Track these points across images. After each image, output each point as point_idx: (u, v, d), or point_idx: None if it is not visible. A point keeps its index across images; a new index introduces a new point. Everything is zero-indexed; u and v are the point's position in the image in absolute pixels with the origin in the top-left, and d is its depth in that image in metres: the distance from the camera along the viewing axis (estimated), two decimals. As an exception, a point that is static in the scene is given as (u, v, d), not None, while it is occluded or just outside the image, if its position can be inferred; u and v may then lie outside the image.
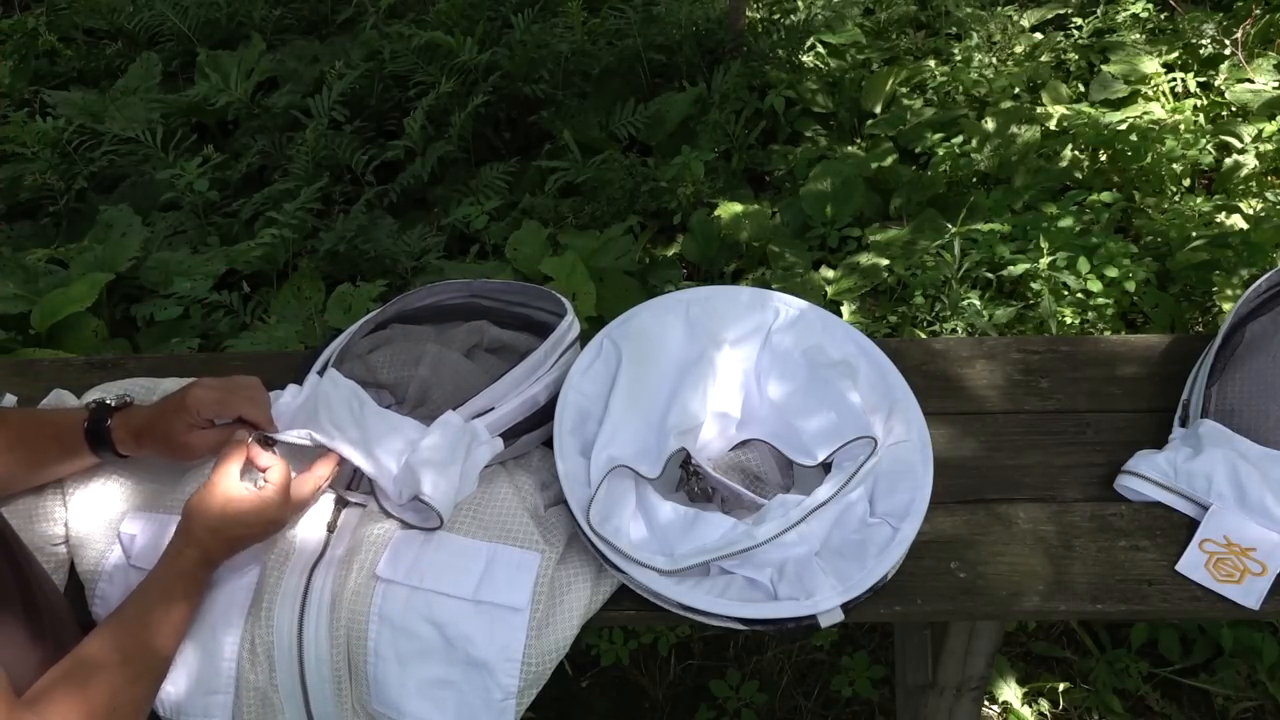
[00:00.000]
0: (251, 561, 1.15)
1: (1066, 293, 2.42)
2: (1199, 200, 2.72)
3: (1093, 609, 1.17)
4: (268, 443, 1.17)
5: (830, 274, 2.67)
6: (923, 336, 2.43)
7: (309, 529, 1.19)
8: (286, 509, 1.13)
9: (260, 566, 1.15)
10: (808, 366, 1.29)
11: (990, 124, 3.03)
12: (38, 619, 1.02)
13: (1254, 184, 2.79)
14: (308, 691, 1.11)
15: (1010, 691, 1.93)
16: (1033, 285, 2.47)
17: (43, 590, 1.07)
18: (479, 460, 1.20)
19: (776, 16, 3.66)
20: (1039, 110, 3.15)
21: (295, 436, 1.18)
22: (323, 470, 1.17)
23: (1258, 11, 3.38)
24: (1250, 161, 2.81)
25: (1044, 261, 2.46)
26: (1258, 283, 1.42)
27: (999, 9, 3.70)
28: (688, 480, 1.29)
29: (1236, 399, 1.29)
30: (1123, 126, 2.87)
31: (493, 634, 1.11)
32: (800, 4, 3.69)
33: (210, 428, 1.19)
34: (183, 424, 1.17)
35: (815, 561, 1.15)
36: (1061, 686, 1.95)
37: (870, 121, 3.26)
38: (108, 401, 1.24)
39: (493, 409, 1.25)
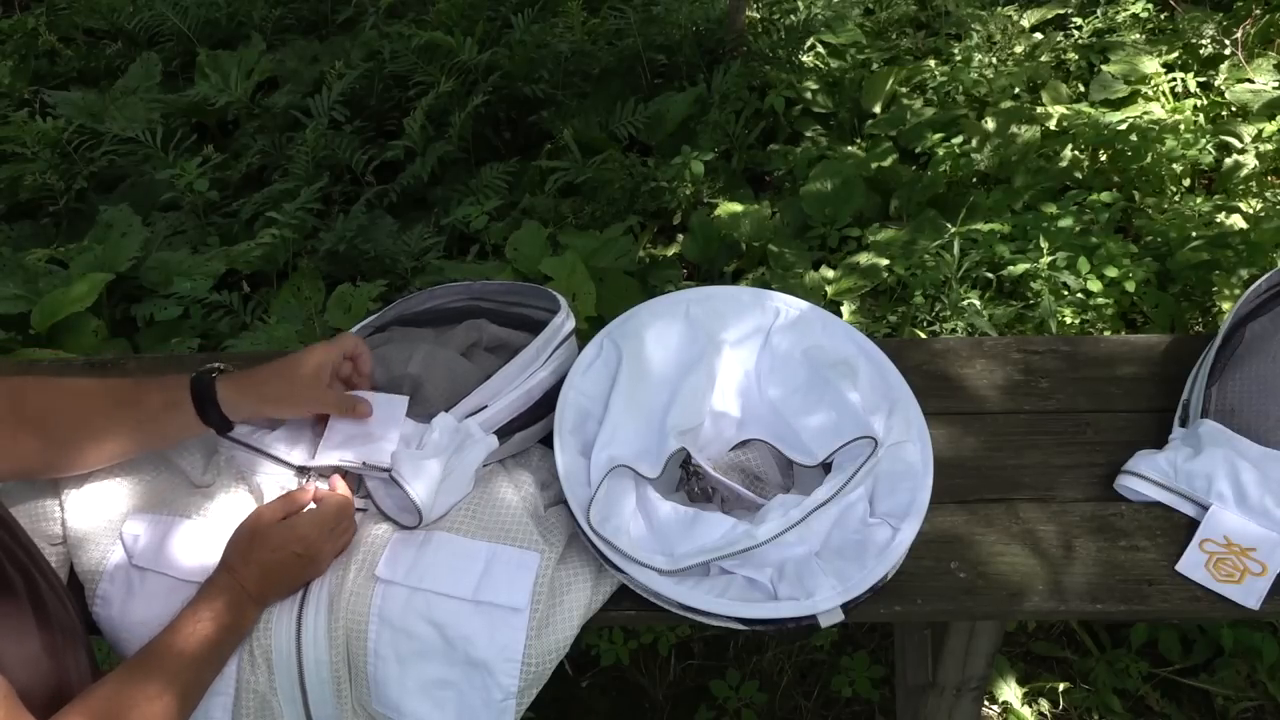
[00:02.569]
0: None
1: (1066, 293, 2.42)
2: (1199, 200, 2.71)
3: (1093, 609, 1.17)
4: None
5: (830, 274, 2.67)
6: (923, 336, 2.43)
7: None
8: (317, 528, 1.13)
9: None
10: (808, 366, 1.29)
11: (990, 124, 3.03)
12: (45, 613, 1.03)
13: (1254, 184, 2.79)
14: (307, 693, 1.11)
15: (1010, 691, 1.93)
16: (1033, 285, 2.47)
17: (49, 583, 1.07)
18: (474, 459, 1.20)
19: (776, 16, 3.66)
20: (1039, 110, 3.15)
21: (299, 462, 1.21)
22: (338, 486, 1.19)
23: (1258, 11, 3.37)
24: (1250, 161, 2.81)
25: (1044, 261, 2.46)
26: (1258, 283, 1.42)
27: (999, 9, 3.70)
28: (688, 480, 1.29)
29: (1236, 399, 1.29)
30: (1123, 126, 2.87)
31: (493, 634, 1.11)
32: (800, 4, 3.69)
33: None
34: (312, 370, 1.19)
35: (815, 561, 1.15)
36: (1061, 686, 1.95)
37: (870, 121, 3.25)
38: (218, 365, 1.21)
39: (486, 407, 1.25)
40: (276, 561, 1.11)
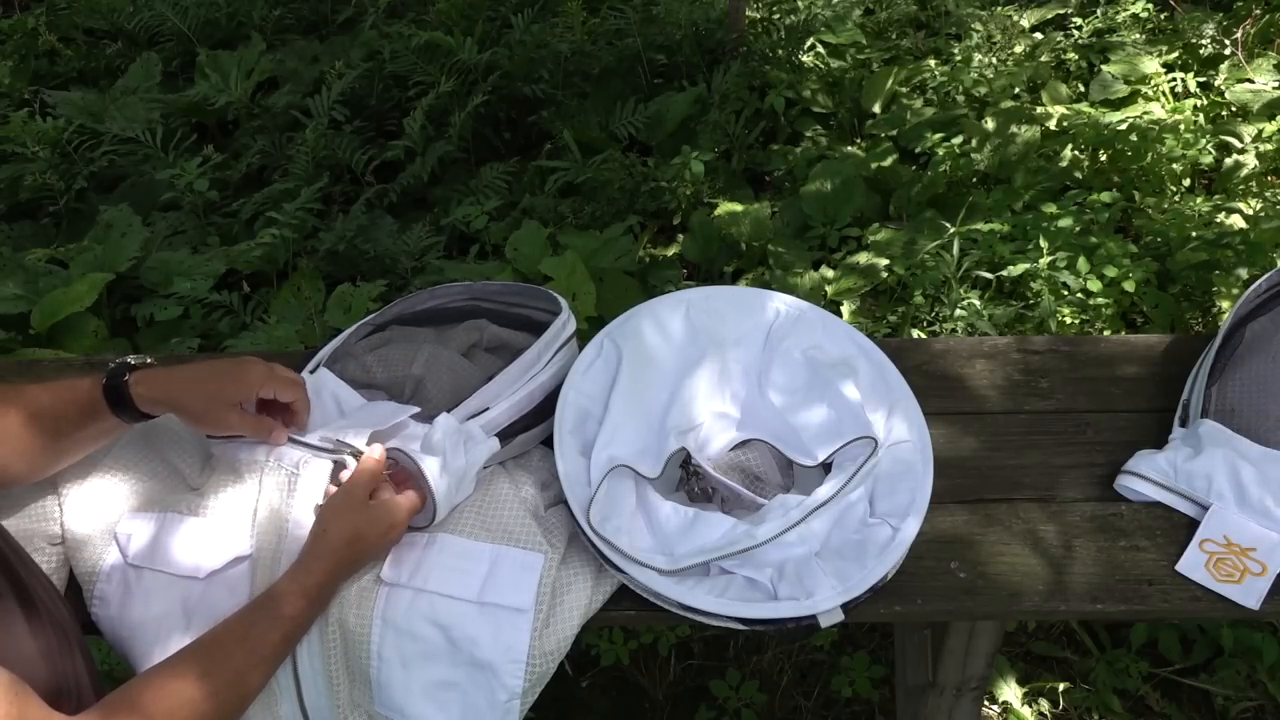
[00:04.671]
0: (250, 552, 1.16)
1: (1066, 293, 2.42)
2: (1199, 200, 2.71)
3: (1093, 609, 1.17)
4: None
5: (830, 274, 2.67)
6: (923, 336, 2.43)
7: (306, 526, 1.18)
8: (408, 519, 1.15)
9: (252, 560, 1.16)
10: (808, 366, 1.29)
11: (990, 124, 3.03)
12: (35, 614, 1.02)
13: (1254, 184, 2.79)
14: (300, 684, 1.11)
15: (1010, 691, 1.93)
16: (1033, 285, 2.47)
17: (40, 583, 1.07)
18: (475, 461, 1.20)
19: (776, 16, 3.66)
20: (1039, 110, 3.15)
21: (318, 440, 1.19)
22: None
23: (1258, 11, 3.38)
24: (1250, 161, 2.81)
25: (1044, 261, 2.46)
26: (1258, 283, 1.42)
27: (999, 9, 3.70)
28: (688, 480, 1.29)
29: (1236, 399, 1.29)
30: (1123, 126, 2.87)
31: (497, 635, 1.11)
32: (800, 4, 3.69)
33: (251, 409, 1.17)
34: (235, 393, 1.15)
35: (815, 561, 1.15)
36: (1061, 686, 1.95)
37: (870, 121, 3.26)
38: (129, 360, 1.18)
39: (487, 409, 1.25)
40: (372, 546, 1.12)
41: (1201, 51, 3.30)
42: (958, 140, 2.92)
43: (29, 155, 3.20)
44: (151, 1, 3.89)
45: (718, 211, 2.86)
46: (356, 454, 1.17)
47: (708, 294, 1.37)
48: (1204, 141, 2.80)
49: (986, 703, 1.93)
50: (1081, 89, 3.32)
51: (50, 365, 1.55)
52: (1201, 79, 3.22)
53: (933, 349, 1.51)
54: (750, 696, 1.99)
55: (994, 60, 3.39)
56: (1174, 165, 2.79)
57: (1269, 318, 1.37)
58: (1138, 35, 3.41)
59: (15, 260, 2.81)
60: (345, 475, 1.17)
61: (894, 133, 3.15)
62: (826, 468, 1.21)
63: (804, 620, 1.12)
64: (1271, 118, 2.90)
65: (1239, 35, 3.26)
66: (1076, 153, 2.94)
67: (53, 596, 1.08)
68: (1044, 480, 1.31)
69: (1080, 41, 3.47)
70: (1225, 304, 2.38)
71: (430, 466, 1.14)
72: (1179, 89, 3.19)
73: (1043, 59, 3.39)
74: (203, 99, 3.40)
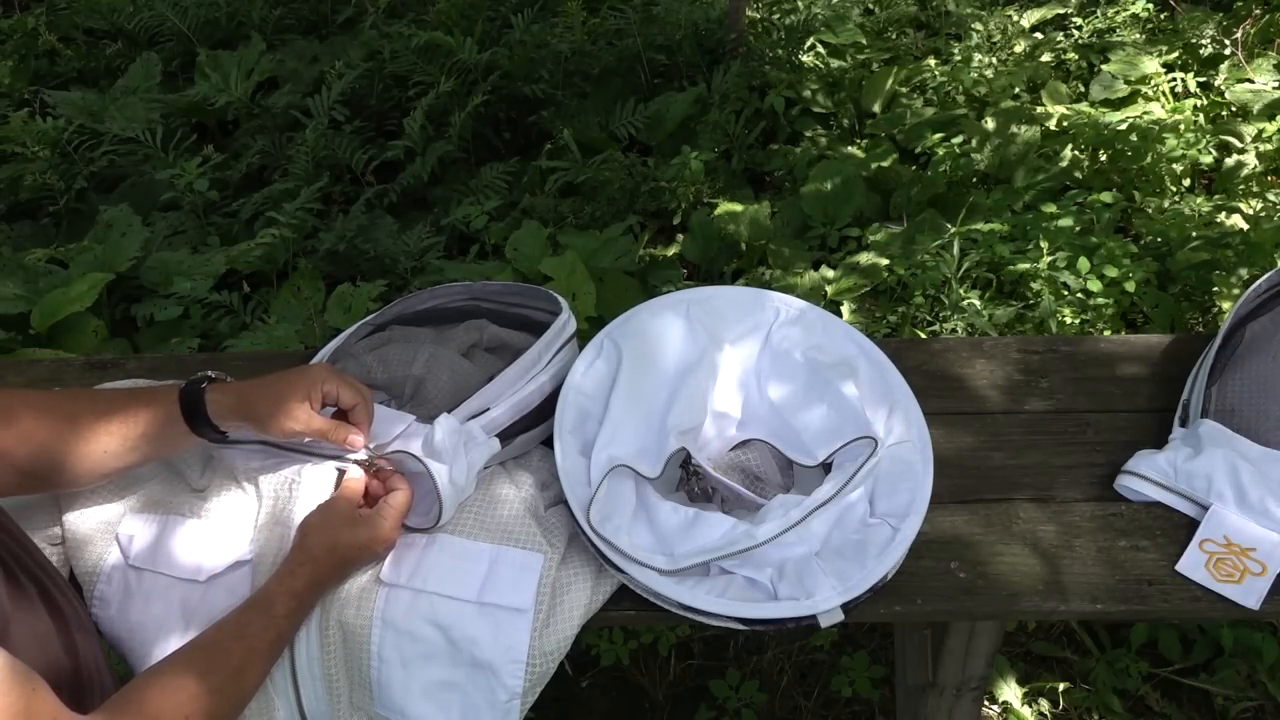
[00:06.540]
0: (250, 555, 1.16)
1: (1066, 293, 2.42)
2: (1199, 200, 2.71)
3: (1093, 609, 1.17)
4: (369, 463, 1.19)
5: (830, 274, 2.67)
6: (923, 336, 2.43)
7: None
8: (397, 531, 1.14)
9: (253, 564, 1.16)
10: (808, 366, 1.29)
11: (990, 124, 3.03)
12: (58, 612, 1.02)
13: (1254, 184, 2.79)
14: (299, 688, 1.11)
15: (1010, 691, 1.93)
16: (1033, 285, 2.47)
17: (55, 583, 1.07)
18: (476, 462, 1.20)
19: (776, 16, 3.66)
20: (1039, 110, 3.15)
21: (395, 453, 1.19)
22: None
23: (1258, 11, 3.38)
24: (1250, 161, 2.81)
25: (1044, 261, 2.46)
26: (1258, 283, 1.42)
27: (999, 9, 3.70)
28: (688, 480, 1.29)
29: (1236, 399, 1.29)
30: (1123, 126, 2.87)
31: (497, 635, 1.11)
32: (800, 4, 3.69)
33: (318, 411, 1.16)
34: (301, 394, 1.14)
35: (815, 561, 1.15)
36: (1061, 686, 1.95)
37: (870, 121, 3.26)
38: (207, 373, 1.18)
39: (488, 410, 1.25)
40: (355, 558, 1.13)
41: (1201, 51, 3.30)
42: (958, 140, 2.92)
43: (29, 155, 3.20)
44: (151, 1, 3.89)
45: (718, 211, 2.86)
46: (364, 463, 1.17)
47: (708, 294, 1.37)
48: (1204, 141, 2.80)
49: (986, 703, 1.93)
50: (1081, 89, 3.32)
51: (50, 365, 1.55)
52: (1201, 79, 3.22)
53: (932, 349, 1.51)
54: (750, 696, 1.99)
55: (994, 60, 3.39)
56: (1174, 165, 2.79)
57: (1269, 318, 1.37)
58: (1138, 35, 3.41)
59: (15, 260, 2.81)
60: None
61: (894, 133, 3.15)
62: (826, 468, 1.21)
63: (804, 620, 1.12)
64: (1271, 118, 2.90)
65: (1239, 35, 3.26)
66: (1076, 153, 2.94)
67: (71, 599, 1.08)
68: (1044, 480, 1.31)
69: (1080, 41, 3.47)
70: (1225, 304, 2.38)
71: (440, 472, 1.13)
72: (1179, 89, 3.19)
73: (1043, 59, 3.39)
74: (203, 99, 3.40)
